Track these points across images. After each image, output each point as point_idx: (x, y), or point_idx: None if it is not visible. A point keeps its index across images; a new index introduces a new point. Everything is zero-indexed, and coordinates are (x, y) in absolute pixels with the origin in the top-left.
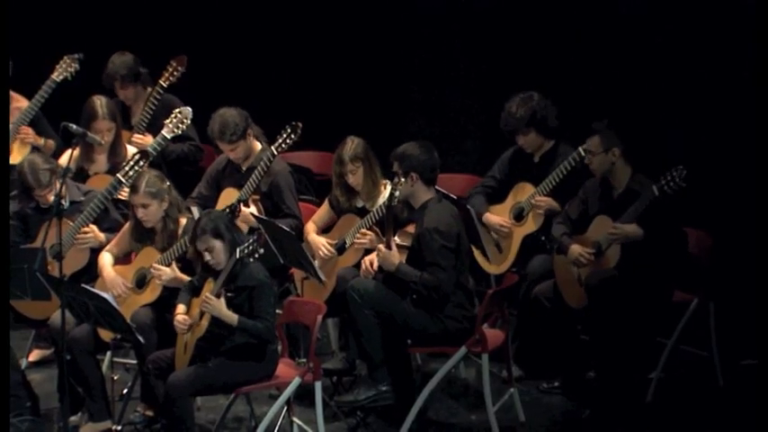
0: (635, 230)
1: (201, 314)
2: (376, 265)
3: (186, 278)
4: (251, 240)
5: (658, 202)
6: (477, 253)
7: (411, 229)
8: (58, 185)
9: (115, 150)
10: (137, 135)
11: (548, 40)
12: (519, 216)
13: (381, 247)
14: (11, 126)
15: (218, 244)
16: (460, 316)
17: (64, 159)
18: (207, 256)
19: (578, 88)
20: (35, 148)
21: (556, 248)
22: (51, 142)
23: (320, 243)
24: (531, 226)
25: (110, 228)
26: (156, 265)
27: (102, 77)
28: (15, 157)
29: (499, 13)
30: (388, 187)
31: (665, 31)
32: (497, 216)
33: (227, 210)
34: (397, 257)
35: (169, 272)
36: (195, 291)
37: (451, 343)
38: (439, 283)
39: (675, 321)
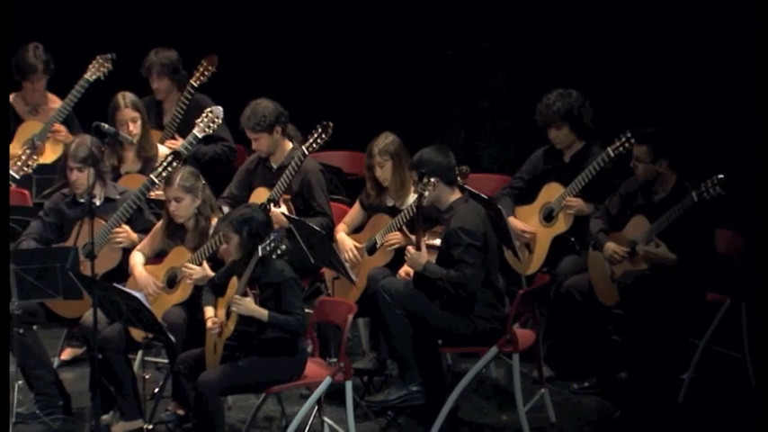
0: (671, 256)
1: (228, 315)
2: (412, 272)
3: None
4: (272, 237)
5: (696, 208)
6: (507, 253)
7: (439, 228)
8: (89, 175)
9: (144, 149)
10: (168, 141)
11: (581, 40)
12: (549, 217)
13: (410, 248)
14: (44, 125)
15: (234, 237)
16: (491, 316)
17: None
18: (223, 244)
19: (613, 91)
20: None
21: (591, 244)
22: None
23: (348, 246)
24: (560, 226)
25: (144, 229)
26: (187, 264)
27: (140, 67)
28: (48, 156)
29: (530, 13)
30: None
31: (703, 36)
32: (522, 221)
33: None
34: (425, 258)
35: (200, 270)
36: (217, 290)
37: (482, 343)
38: (466, 280)
39: (708, 322)
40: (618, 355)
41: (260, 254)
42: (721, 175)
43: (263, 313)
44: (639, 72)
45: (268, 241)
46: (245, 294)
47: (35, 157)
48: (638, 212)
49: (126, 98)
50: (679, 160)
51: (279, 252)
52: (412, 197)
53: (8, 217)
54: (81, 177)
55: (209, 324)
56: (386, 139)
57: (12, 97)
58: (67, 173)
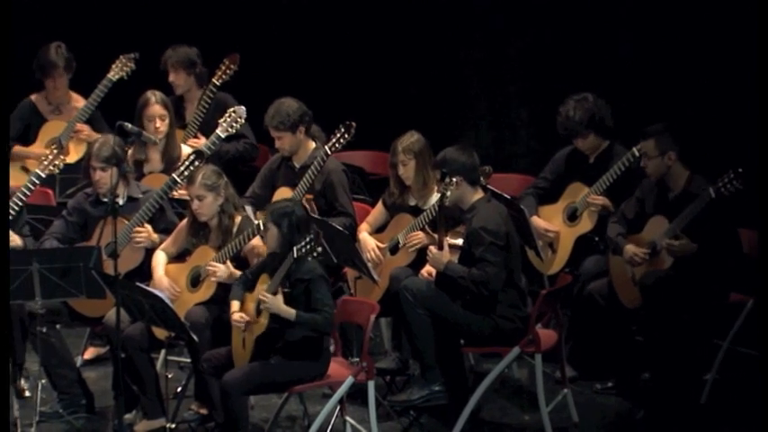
0: (693, 247)
1: (259, 311)
2: (434, 272)
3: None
4: (309, 239)
5: (715, 204)
6: (530, 253)
7: (461, 228)
8: (113, 174)
9: (169, 149)
10: (191, 140)
11: (602, 38)
12: (572, 216)
13: (432, 248)
14: (68, 125)
15: (273, 229)
16: (513, 316)
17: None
18: (256, 249)
19: (632, 87)
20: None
21: (611, 249)
22: None
23: (370, 246)
24: (584, 226)
25: (165, 228)
26: (211, 263)
27: (160, 63)
28: (72, 156)
29: (552, 12)
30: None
31: (718, 32)
32: (546, 221)
33: None
34: (446, 257)
35: (224, 269)
36: (248, 285)
37: (504, 343)
38: (488, 279)
39: (731, 322)
40: (641, 356)
41: (295, 255)
42: (739, 169)
43: (290, 312)
44: (654, 66)
45: (304, 243)
46: (276, 292)
47: (62, 157)
48: (655, 213)
49: (156, 95)
50: (687, 151)
51: (315, 254)
52: (434, 197)
53: (8, 217)
54: (104, 177)
55: (234, 317)
56: (411, 138)
57: (35, 97)
58: (91, 172)
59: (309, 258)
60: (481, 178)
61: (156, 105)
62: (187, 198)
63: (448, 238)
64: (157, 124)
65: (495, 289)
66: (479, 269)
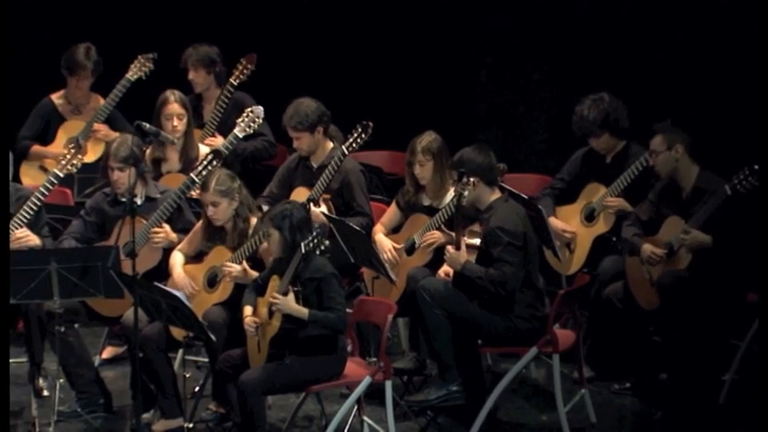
0: (705, 238)
1: (271, 313)
2: (451, 272)
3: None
4: (314, 234)
5: (731, 201)
6: (548, 253)
7: (477, 227)
8: (131, 174)
9: (187, 149)
10: (208, 139)
11: (615, 38)
12: (590, 217)
13: (450, 248)
14: (86, 124)
15: (275, 234)
16: (531, 316)
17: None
18: (264, 241)
19: (647, 86)
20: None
21: (627, 250)
22: None
23: (386, 247)
24: (602, 227)
25: (183, 228)
26: (227, 263)
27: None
28: (90, 155)
29: (565, 14)
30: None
31: (730, 28)
32: (563, 221)
33: None
34: (464, 257)
35: (239, 269)
36: (260, 290)
37: (522, 343)
38: (505, 279)
39: (749, 322)
40: (658, 356)
41: (303, 250)
42: (755, 165)
43: (303, 311)
44: (669, 65)
45: (311, 237)
46: (287, 292)
47: (80, 157)
48: (670, 213)
49: (175, 94)
50: (697, 145)
51: (322, 248)
52: (449, 196)
53: (8, 217)
54: (122, 177)
55: (246, 322)
56: (429, 138)
57: (54, 96)
58: (108, 172)
59: (317, 254)
60: (498, 177)
61: (174, 104)
62: (201, 203)
63: (465, 238)
64: (175, 123)
65: (512, 289)
66: (497, 269)
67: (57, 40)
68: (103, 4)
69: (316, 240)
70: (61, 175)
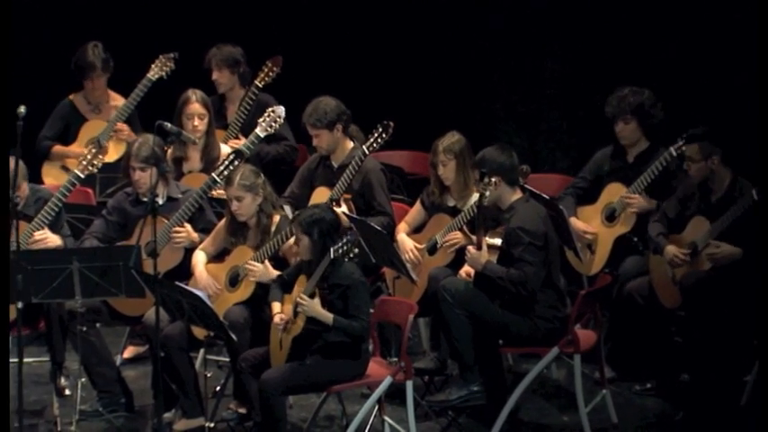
0: (735, 251)
1: (296, 313)
2: (473, 272)
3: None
4: (345, 240)
5: (758, 206)
6: (569, 254)
7: (499, 227)
8: (152, 174)
9: (209, 149)
10: (231, 140)
11: (643, 40)
12: (611, 216)
13: (471, 248)
14: (107, 124)
15: (305, 239)
16: (552, 316)
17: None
18: (294, 247)
19: (674, 91)
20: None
21: (652, 248)
22: None
23: (408, 247)
24: (623, 227)
25: (204, 228)
26: (249, 262)
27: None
28: (111, 155)
29: (591, 14)
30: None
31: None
32: (584, 221)
33: None
34: (485, 257)
35: (262, 268)
36: (286, 287)
37: (543, 343)
38: (526, 279)
39: None
40: (680, 357)
41: (332, 256)
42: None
43: (327, 317)
44: (698, 68)
45: (341, 244)
46: (313, 295)
47: (100, 157)
48: (697, 214)
49: (197, 94)
50: (731, 155)
51: (351, 255)
52: (474, 197)
53: (8, 216)
54: (144, 177)
55: (275, 319)
56: (451, 138)
57: (74, 97)
58: (130, 172)
59: (346, 260)
60: (519, 177)
61: (195, 104)
62: (226, 197)
63: (487, 238)
64: (196, 122)
65: (533, 289)
66: (518, 269)
67: (77, 40)
68: (124, 4)
69: (346, 247)
70: (82, 175)
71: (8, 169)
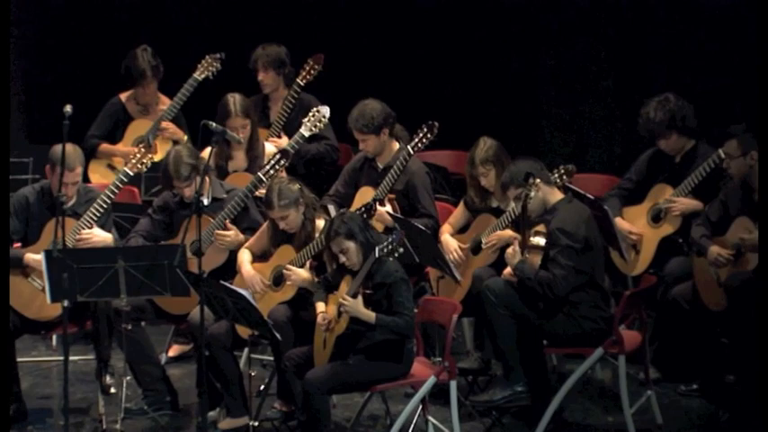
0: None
1: (340, 313)
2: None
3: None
4: (390, 239)
5: None
6: (614, 254)
7: (543, 228)
8: (198, 182)
9: (253, 147)
10: (272, 138)
11: (681, 38)
12: (657, 217)
13: (509, 249)
14: (154, 123)
15: (351, 245)
16: (597, 317)
17: (204, 157)
18: (342, 258)
19: (715, 86)
20: (175, 143)
21: (695, 251)
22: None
23: (452, 247)
24: (668, 228)
25: (249, 227)
26: (289, 266)
27: (249, 61)
28: (160, 154)
29: (629, 14)
30: None
31: None
32: (630, 222)
33: (363, 208)
34: (518, 257)
35: (301, 273)
36: (330, 287)
37: (588, 344)
38: (554, 281)
39: None
40: (725, 358)
41: (377, 255)
42: None
43: (369, 315)
44: (739, 63)
45: (386, 243)
46: (356, 295)
47: (150, 156)
48: (741, 214)
49: (236, 105)
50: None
51: (396, 255)
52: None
53: (8, 217)
54: (190, 189)
55: (318, 319)
56: (485, 147)
57: (124, 97)
58: (178, 191)
59: (390, 259)
60: (564, 177)
61: (236, 118)
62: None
63: (531, 239)
64: (239, 133)
65: (559, 293)
66: (548, 271)
67: (126, 40)
68: (169, 4)
69: (391, 246)
70: (131, 173)
71: (8, 169)
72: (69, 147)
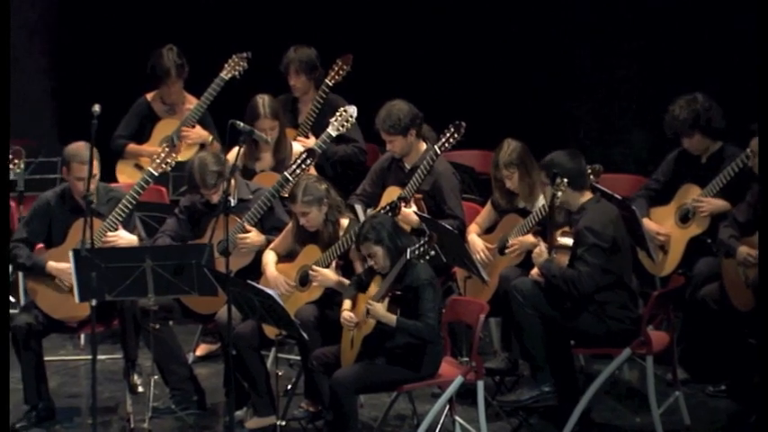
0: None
1: (368, 312)
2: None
3: (344, 281)
4: (422, 242)
5: None
6: (641, 255)
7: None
8: (223, 185)
9: (280, 148)
10: (300, 138)
11: (714, 37)
12: (685, 218)
13: (536, 249)
14: (180, 123)
15: (378, 250)
16: (624, 317)
17: (231, 156)
18: (370, 261)
19: (745, 88)
20: (202, 146)
21: (723, 252)
22: (217, 145)
23: (479, 247)
24: (696, 228)
25: (274, 227)
26: (314, 267)
27: (279, 65)
28: (185, 154)
29: (660, 13)
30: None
31: None
32: (658, 222)
33: (388, 207)
34: (544, 256)
35: (327, 274)
36: (362, 286)
37: (615, 344)
38: (579, 279)
39: None
40: (754, 359)
41: (408, 257)
42: None
43: (390, 318)
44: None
45: (417, 245)
46: (384, 297)
47: (174, 155)
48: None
49: (265, 107)
50: None
51: (428, 257)
52: (542, 199)
53: (8, 217)
54: (217, 195)
55: (343, 316)
56: (508, 149)
57: (150, 96)
58: (203, 194)
59: (422, 261)
60: (592, 177)
61: (265, 120)
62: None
63: (558, 239)
64: (269, 135)
65: (585, 291)
66: (574, 268)
67: (152, 40)
68: (195, 5)
69: (422, 249)
70: (156, 173)
71: (8, 168)
72: (80, 143)
